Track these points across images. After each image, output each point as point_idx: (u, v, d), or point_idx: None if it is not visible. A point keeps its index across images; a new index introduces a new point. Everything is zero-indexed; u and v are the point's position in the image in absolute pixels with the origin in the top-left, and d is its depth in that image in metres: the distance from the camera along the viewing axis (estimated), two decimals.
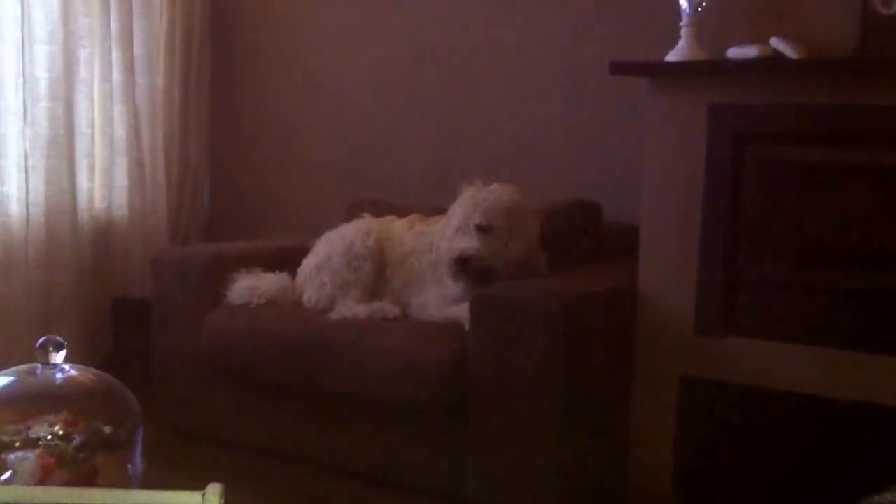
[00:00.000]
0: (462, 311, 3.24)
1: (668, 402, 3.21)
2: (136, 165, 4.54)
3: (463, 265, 3.31)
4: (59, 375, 2.27)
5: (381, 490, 3.36)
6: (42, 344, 2.22)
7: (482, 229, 3.31)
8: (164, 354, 3.86)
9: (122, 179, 4.53)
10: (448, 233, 3.39)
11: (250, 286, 3.69)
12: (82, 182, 4.36)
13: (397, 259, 3.60)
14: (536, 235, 3.45)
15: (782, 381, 3.02)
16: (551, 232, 3.56)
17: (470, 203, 3.36)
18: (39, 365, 2.24)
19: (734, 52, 3.07)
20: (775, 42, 3.01)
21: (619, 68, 3.23)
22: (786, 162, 3.07)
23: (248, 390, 3.65)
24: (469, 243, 3.30)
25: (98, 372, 2.35)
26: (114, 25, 4.42)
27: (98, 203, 4.46)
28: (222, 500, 1.53)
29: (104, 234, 4.48)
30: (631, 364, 3.27)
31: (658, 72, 3.19)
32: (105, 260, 4.48)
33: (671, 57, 3.19)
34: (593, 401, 3.19)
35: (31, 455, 2.20)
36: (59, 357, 2.23)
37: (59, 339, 2.23)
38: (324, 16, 4.66)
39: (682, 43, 3.19)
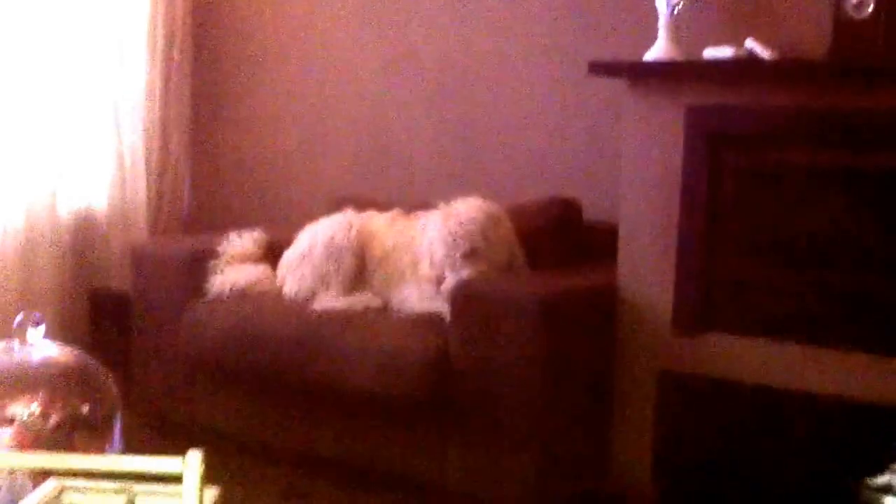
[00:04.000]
0: (444, 304, 3.28)
1: (648, 398, 3.23)
2: (116, 157, 4.55)
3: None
4: (36, 353, 2.27)
5: (363, 484, 3.37)
6: (20, 322, 2.22)
7: (468, 256, 3.35)
8: (142, 347, 3.86)
9: (101, 171, 4.53)
10: (434, 260, 3.41)
11: (229, 277, 3.70)
12: (61, 173, 4.36)
13: (378, 255, 3.62)
14: (513, 239, 3.48)
15: (760, 376, 3.05)
16: (530, 230, 3.59)
17: (444, 233, 3.40)
18: (17, 342, 2.24)
19: (710, 53, 3.12)
20: (750, 43, 3.06)
21: (597, 68, 3.27)
22: (761, 163, 3.09)
23: (228, 383, 3.65)
24: (462, 274, 3.32)
25: (76, 351, 2.35)
26: (94, 16, 4.43)
27: (77, 194, 4.46)
28: (202, 467, 1.55)
29: (83, 225, 4.48)
30: (611, 360, 3.30)
31: (635, 72, 3.22)
32: (84, 252, 4.47)
33: (648, 57, 3.23)
34: (573, 396, 3.22)
35: (7, 432, 2.20)
36: (37, 334, 2.23)
37: (37, 315, 2.23)
38: (308, 10, 4.67)
39: (658, 43, 3.23)
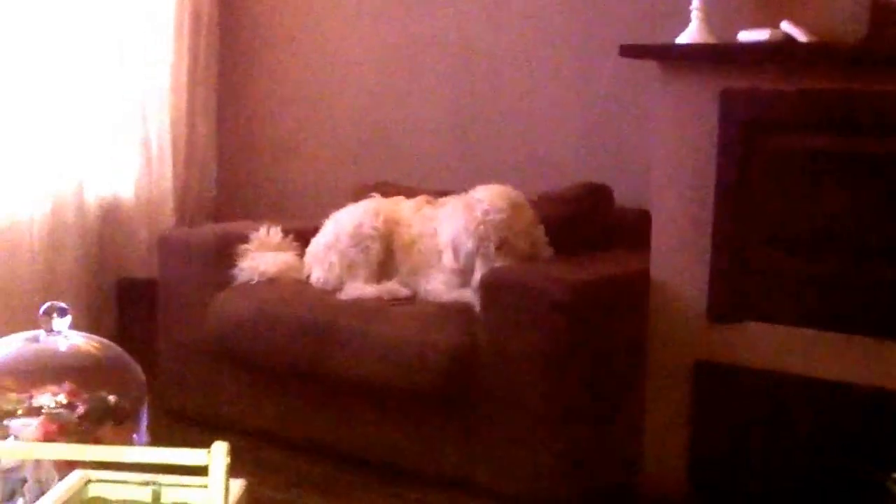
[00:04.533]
0: (471, 294, 3.24)
1: (682, 389, 3.18)
2: (143, 146, 4.53)
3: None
4: (62, 343, 2.25)
5: (387, 477, 3.34)
6: (46, 310, 2.20)
7: (499, 248, 3.32)
8: (168, 336, 3.85)
9: (128, 160, 4.52)
10: (461, 255, 3.37)
11: (256, 265, 3.67)
12: (88, 162, 4.34)
13: (405, 243, 3.60)
14: (536, 225, 3.45)
15: (796, 367, 3.00)
16: (561, 217, 3.56)
17: (470, 224, 3.35)
18: (43, 331, 2.22)
19: (745, 36, 3.06)
20: (786, 26, 3.00)
21: (629, 51, 3.22)
22: (797, 148, 3.03)
23: (253, 373, 3.64)
24: (492, 262, 3.29)
25: (103, 340, 2.34)
26: (121, 5, 4.41)
27: (104, 183, 4.45)
28: (228, 459, 1.52)
29: (110, 214, 4.46)
30: (643, 350, 3.25)
31: (668, 55, 3.17)
32: (111, 240, 4.46)
33: (681, 40, 3.18)
34: (604, 387, 3.18)
35: (33, 423, 2.19)
36: (63, 323, 2.21)
37: (63, 305, 2.21)
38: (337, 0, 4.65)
39: (692, 26, 3.17)
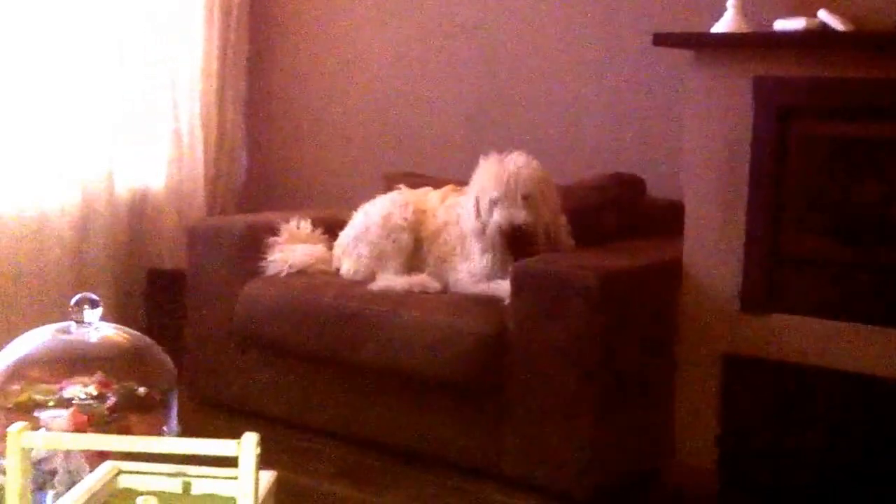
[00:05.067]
0: (501, 286, 3.22)
1: (712, 380, 3.15)
2: (173, 135, 4.54)
3: (515, 236, 3.28)
4: (93, 334, 2.26)
5: (415, 465, 3.33)
6: (77, 301, 2.20)
7: (527, 199, 3.28)
8: (197, 325, 3.85)
9: (159, 150, 4.52)
10: (483, 205, 3.34)
11: (286, 256, 3.67)
12: (119, 152, 4.35)
13: (431, 233, 3.57)
14: (559, 204, 3.42)
15: (828, 359, 2.96)
16: (593, 207, 3.55)
17: (502, 174, 3.31)
18: (74, 323, 2.22)
19: (781, 25, 3.02)
20: (823, 14, 2.96)
21: (663, 40, 3.18)
22: (831, 137, 3.01)
23: (282, 362, 3.63)
24: (518, 214, 3.26)
25: (133, 332, 2.34)
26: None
27: (135, 173, 4.46)
28: (258, 450, 1.51)
29: (140, 204, 4.48)
30: (673, 341, 3.22)
31: (703, 44, 3.13)
32: (140, 230, 4.48)
33: (716, 29, 3.14)
34: (633, 377, 3.16)
35: (64, 414, 2.19)
36: (94, 315, 2.21)
37: (93, 296, 2.21)
38: None
39: (727, 14, 3.14)
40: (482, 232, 3.34)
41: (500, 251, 3.31)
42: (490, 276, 3.34)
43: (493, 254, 3.33)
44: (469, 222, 3.40)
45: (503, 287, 3.20)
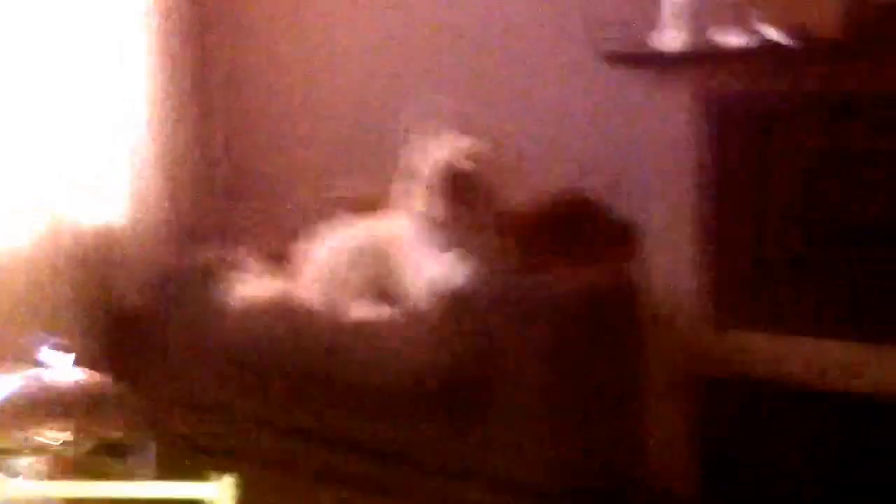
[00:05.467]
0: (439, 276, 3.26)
1: (685, 398, 3.17)
2: (134, 171, 4.53)
3: (459, 184, 3.20)
4: (66, 380, 2.26)
5: (400, 470, 3.34)
6: (49, 347, 2.21)
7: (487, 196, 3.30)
8: (167, 363, 3.84)
9: (121, 185, 4.52)
10: (432, 186, 3.27)
11: (251, 289, 3.67)
12: (81, 187, 4.34)
13: (395, 255, 3.58)
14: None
15: (802, 376, 2.97)
16: (546, 226, 3.56)
17: (450, 157, 3.28)
18: (46, 369, 2.23)
19: (725, 38, 3.05)
20: (764, 27, 2.99)
21: (615, 58, 3.22)
22: (798, 149, 3.01)
23: (256, 397, 3.62)
24: (462, 159, 3.20)
25: (106, 377, 2.34)
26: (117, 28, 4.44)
27: (95, 211, 4.44)
28: (236, 491, 1.52)
29: (104, 240, 4.46)
30: (646, 359, 3.24)
31: (656, 61, 3.16)
32: (105, 267, 4.45)
33: (656, 43, 3.16)
34: (612, 386, 3.19)
35: (40, 461, 2.19)
36: (65, 360, 2.21)
37: (65, 342, 2.22)
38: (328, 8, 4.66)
39: (665, 29, 3.15)
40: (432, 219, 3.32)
41: (444, 202, 3.28)
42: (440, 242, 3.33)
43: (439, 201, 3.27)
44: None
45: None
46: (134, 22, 4.54)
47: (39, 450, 2.23)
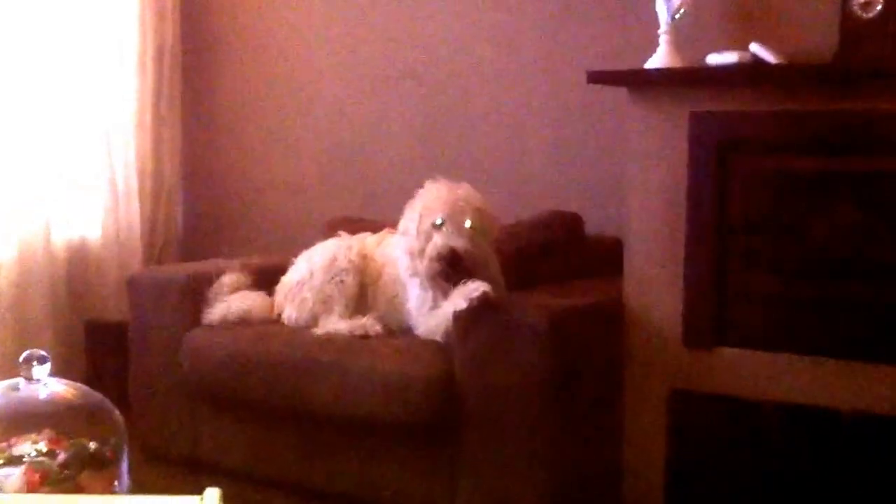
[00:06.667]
0: (437, 325, 3.22)
1: (660, 416, 3.18)
2: (109, 186, 4.51)
3: (453, 264, 3.22)
4: (42, 391, 2.22)
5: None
6: (25, 358, 2.17)
7: (470, 228, 3.25)
8: (141, 377, 3.79)
9: (94, 200, 4.48)
10: (424, 225, 3.27)
11: (227, 304, 3.63)
12: (54, 204, 4.31)
13: (373, 276, 3.56)
14: (495, 242, 3.40)
15: (776, 392, 2.99)
16: (532, 247, 3.55)
17: (449, 198, 3.28)
18: (23, 380, 2.19)
19: (714, 59, 3.08)
20: (755, 48, 3.02)
21: (596, 77, 3.22)
22: (771, 170, 3.03)
23: (229, 413, 3.58)
24: (460, 241, 3.22)
25: (82, 387, 2.30)
26: (82, 45, 4.40)
27: (71, 225, 4.41)
28: None
29: (77, 256, 4.44)
30: (621, 379, 3.24)
31: (636, 80, 3.18)
32: (80, 282, 4.43)
33: (650, 65, 3.19)
34: (584, 416, 3.16)
35: (15, 472, 2.15)
36: (42, 371, 2.17)
37: (42, 352, 2.18)
38: (302, 31, 4.64)
39: (660, 50, 3.20)
40: (420, 253, 3.29)
41: (435, 277, 3.27)
42: (432, 306, 3.30)
43: (430, 279, 3.28)
44: (406, 243, 3.35)
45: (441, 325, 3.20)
46: (111, 41, 4.53)
47: (16, 461, 2.20)
